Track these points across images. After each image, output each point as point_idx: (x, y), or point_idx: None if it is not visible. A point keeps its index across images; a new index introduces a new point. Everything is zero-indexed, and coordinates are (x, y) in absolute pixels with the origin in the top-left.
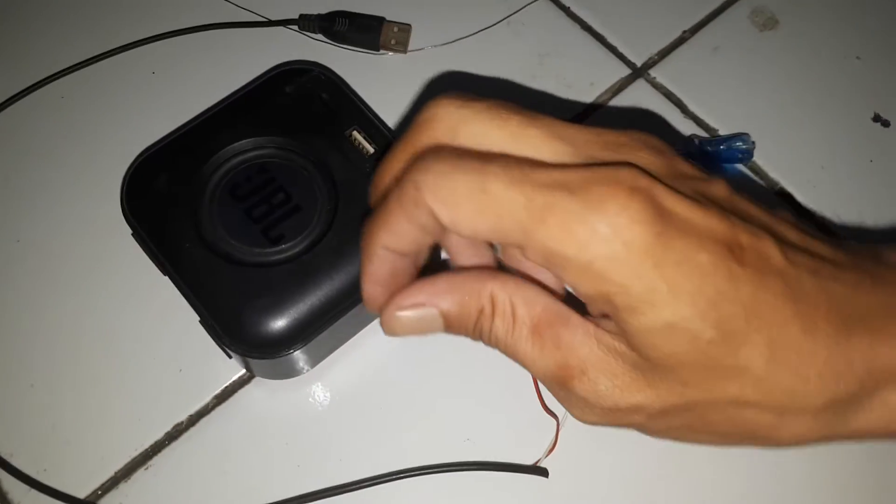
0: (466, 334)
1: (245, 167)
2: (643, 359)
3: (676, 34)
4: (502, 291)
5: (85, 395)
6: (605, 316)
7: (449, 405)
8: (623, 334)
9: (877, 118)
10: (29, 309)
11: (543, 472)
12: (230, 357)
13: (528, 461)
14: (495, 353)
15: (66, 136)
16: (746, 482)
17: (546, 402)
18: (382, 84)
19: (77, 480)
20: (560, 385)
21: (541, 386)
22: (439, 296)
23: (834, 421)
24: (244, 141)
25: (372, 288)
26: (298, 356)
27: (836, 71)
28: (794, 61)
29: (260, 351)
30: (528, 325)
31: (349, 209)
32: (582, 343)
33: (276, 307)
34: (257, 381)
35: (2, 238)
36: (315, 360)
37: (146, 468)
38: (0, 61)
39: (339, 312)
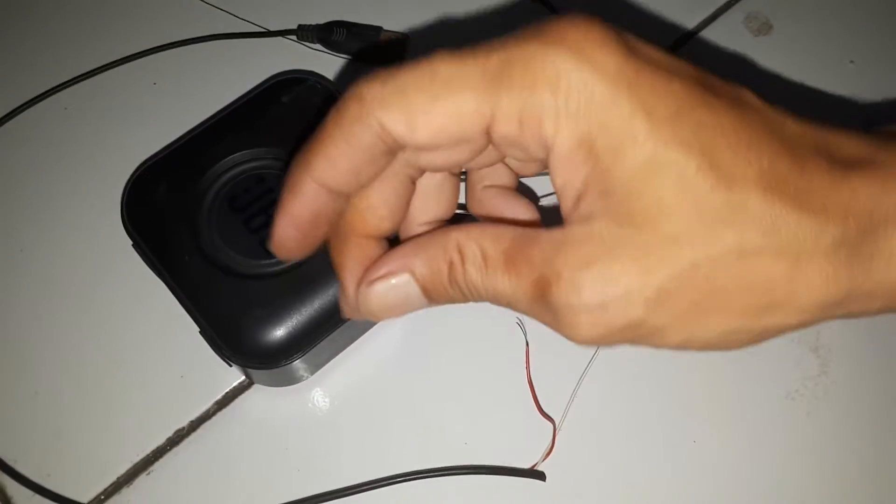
0: (445, 295)
1: (243, 178)
2: (626, 226)
3: (668, 43)
4: (467, 238)
5: (88, 401)
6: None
7: (447, 410)
8: (604, 197)
9: (869, 122)
10: (32, 318)
11: (540, 476)
12: (230, 366)
13: (526, 465)
14: (493, 358)
15: (68, 146)
16: (747, 486)
17: (542, 405)
18: None
19: (80, 485)
20: (541, 302)
21: (539, 389)
22: (408, 258)
23: (852, 266)
24: (242, 152)
25: (285, 229)
26: (297, 365)
27: (829, 75)
28: (788, 65)
29: (259, 361)
30: (500, 260)
31: None
32: (554, 250)
33: (274, 318)
34: (257, 387)
35: (5, 247)
36: (314, 368)
37: (148, 473)
38: (3, 73)
39: (336, 322)
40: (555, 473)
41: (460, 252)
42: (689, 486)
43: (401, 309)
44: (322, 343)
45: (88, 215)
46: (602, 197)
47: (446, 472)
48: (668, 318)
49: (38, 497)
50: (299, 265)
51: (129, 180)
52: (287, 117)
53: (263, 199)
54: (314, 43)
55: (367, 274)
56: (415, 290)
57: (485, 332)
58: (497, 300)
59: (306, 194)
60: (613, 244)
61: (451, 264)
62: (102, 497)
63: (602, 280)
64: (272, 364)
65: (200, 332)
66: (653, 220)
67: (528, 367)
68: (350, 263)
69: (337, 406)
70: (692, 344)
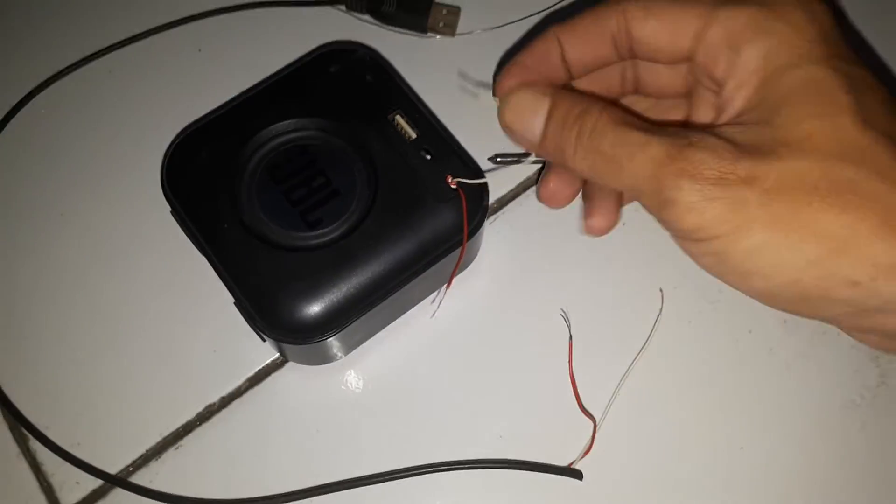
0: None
1: (285, 149)
2: (772, 128)
3: None
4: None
5: (120, 371)
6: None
7: (482, 401)
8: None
9: None
10: (69, 283)
11: (578, 475)
12: (264, 340)
13: (562, 462)
14: (534, 350)
15: (112, 111)
16: (794, 499)
17: (583, 402)
18: (429, 67)
19: (109, 456)
20: (672, 153)
21: (581, 385)
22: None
23: None
24: (286, 122)
25: (517, 70)
26: (332, 343)
27: None
28: None
29: (294, 336)
30: (636, 124)
31: (388, 195)
32: (697, 130)
33: (311, 292)
34: (291, 365)
35: (47, 210)
36: (349, 348)
37: (177, 448)
38: (49, 36)
39: (375, 300)
40: (593, 473)
41: (605, 104)
42: (733, 494)
43: (523, 118)
44: (359, 321)
45: (129, 180)
46: (757, 104)
47: (479, 466)
48: (767, 211)
49: (66, 465)
50: (339, 240)
51: (170, 145)
52: (334, 89)
53: (305, 171)
54: (363, 13)
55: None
56: (543, 108)
57: (526, 323)
58: (618, 148)
59: (545, 46)
60: (755, 135)
61: (588, 107)
62: (131, 469)
63: (735, 151)
64: (308, 339)
65: (235, 303)
66: (795, 122)
67: (570, 362)
68: (532, 60)
69: (370, 389)
70: (761, 257)
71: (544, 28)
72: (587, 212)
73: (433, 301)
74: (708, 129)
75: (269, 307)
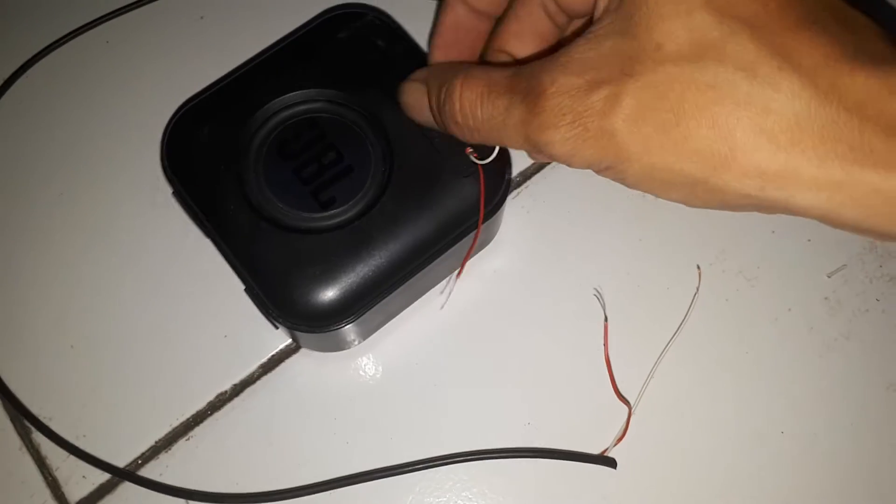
0: (440, 111)
1: (293, 122)
2: (625, 35)
3: None
4: (477, 67)
5: (126, 358)
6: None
7: (508, 385)
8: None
9: None
10: (70, 266)
11: (611, 463)
12: (276, 328)
13: (594, 450)
14: (561, 332)
15: (110, 83)
16: (839, 483)
17: (619, 387)
18: None
19: (116, 448)
20: (531, 109)
21: (614, 369)
22: (431, 71)
23: (848, 161)
24: (292, 93)
25: (439, 54)
26: (349, 330)
27: None
28: None
29: (308, 324)
30: (503, 84)
31: (405, 170)
32: (554, 64)
33: (326, 277)
34: (305, 350)
35: (46, 190)
36: (366, 334)
37: (187, 439)
38: (44, 4)
39: (394, 284)
40: (627, 461)
41: (466, 73)
42: (774, 480)
43: (417, 113)
44: (377, 307)
45: (130, 158)
46: (614, 7)
47: (507, 455)
48: (636, 136)
49: (72, 458)
50: (354, 220)
51: (169, 122)
52: (343, 56)
53: (316, 145)
54: None
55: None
56: (424, 100)
57: (556, 303)
58: (491, 121)
59: (451, 8)
60: (608, 52)
61: (450, 84)
62: (139, 461)
63: (586, 84)
64: (322, 328)
65: (246, 290)
66: (644, 28)
67: (605, 344)
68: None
69: (389, 375)
70: (650, 179)
71: None
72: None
73: (442, 291)
74: (567, 51)
75: (281, 294)
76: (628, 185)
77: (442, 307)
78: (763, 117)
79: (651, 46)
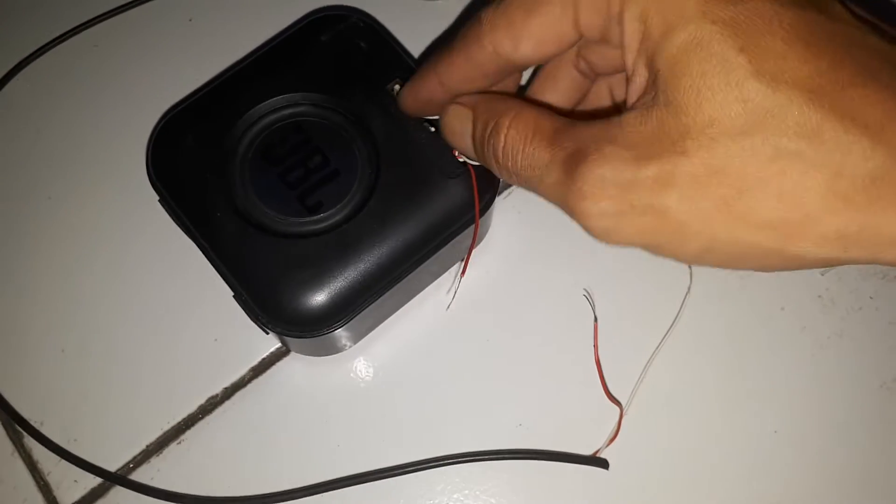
0: (484, 148)
1: (278, 127)
2: (669, 108)
3: None
4: (527, 107)
5: (116, 362)
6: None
7: (500, 387)
8: (654, 79)
9: None
10: (59, 270)
11: (603, 464)
12: (267, 333)
13: (587, 451)
14: (553, 333)
15: (99, 87)
16: (832, 483)
17: (611, 388)
18: (432, 33)
19: (108, 452)
20: (569, 174)
21: (605, 369)
22: (476, 99)
23: (881, 201)
24: (276, 98)
25: (412, 101)
26: (339, 334)
27: None
28: None
29: (297, 329)
30: (547, 134)
31: (392, 172)
32: (601, 130)
33: (314, 282)
34: (296, 354)
35: (33, 194)
36: (357, 337)
37: (179, 442)
38: (32, 8)
39: (384, 287)
40: (619, 461)
41: (517, 113)
42: (767, 479)
43: (458, 139)
44: (367, 310)
45: (120, 162)
46: (653, 79)
47: (498, 456)
48: (694, 213)
49: (63, 463)
50: (342, 223)
51: (153, 129)
52: (326, 59)
53: (301, 150)
54: None
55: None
56: (469, 127)
57: (546, 305)
58: (529, 171)
59: (428, 84)
60: (656, 128)
61: (498, 121)
62: (131, 465)
63: (634, 158)
64: (314, 332)
65: (234, 296)
66: (693, 102)
67: (595, 345)
68: (422, 94)
69: (381, 377)
70: (713, 253)
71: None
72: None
73: (448, 291)
74: (613, 122)
75: (270, 299)
76: (686, 262)
77: (448, 307)
78: (836, 181)
79: (703, 122)
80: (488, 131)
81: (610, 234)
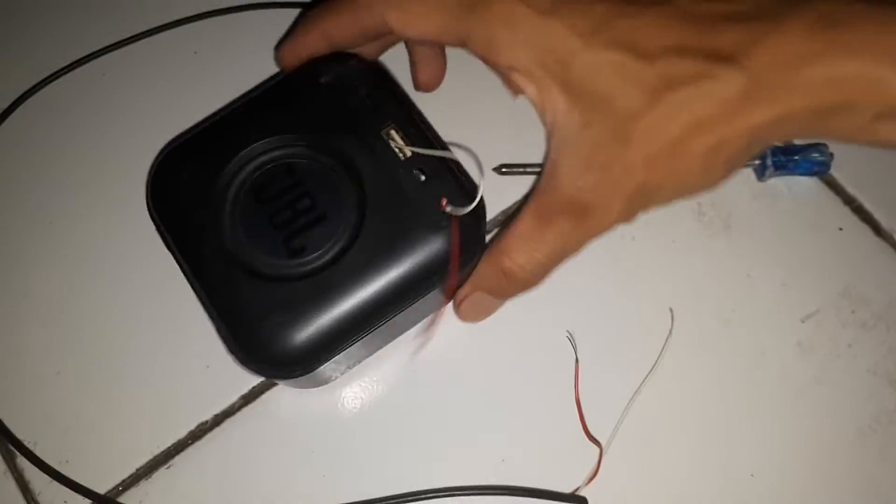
0: (518, 289)
1: (271, 168)
2: (596, 119)
3: None
4: (505, 243)
5: (110, 385)
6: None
7: (484, 424)
8: (573, 105)
9: None
10: (58, 293)
11: (582, 502)
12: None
13: (567, 488)
14: (537, 372)
15: (105, 115)
16: None
17: (589, 426)
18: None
19: (98, 475)
20: (583, 219)
21: (586, 409)
22: (475, 280)
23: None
24: (272, 138)
25: (291, 54)
26: (320, 371)
27: None
28: None
29: (273, 370)
30: (536, 221)
31: (377, 221)
32: (569, 178)
33: (292, 325)
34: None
35: (36, 217)
36: (342, 370)
37: (168, 467)
38: (44, 36)
39: (360, 334)
40: (598, 500)
41: (506, 253)
42: None
43: (487, 312)
44: (347, 351)
45: (120, 190)
46: (573, 106)
47: (480, 492)
48: (660, 173)
49: (55, 484)
50: (324, 268)
51: (154, 161)
52: (323, 102)
53: (291, 192)
54: None
55: (455, 300)
56: (489, 298)
57: (529, 343)
58: (558, 251)
59: (311, 36)
60: (596, 138)
61: (505, 268)
62: (120, 488)
63: (602, 169)
64: (287, 375)
65: (217, 331)
66: (611, 103)
67: (576, 386)
68: (303, 46)
69: (367, 411)
70: (684, 189)
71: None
72: (415, 69)
73: (417, 336)
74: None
75: (247, 339)
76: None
77: (414, 354)
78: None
79: (623, 115)
80: (508, 287)
81: (625, 217)
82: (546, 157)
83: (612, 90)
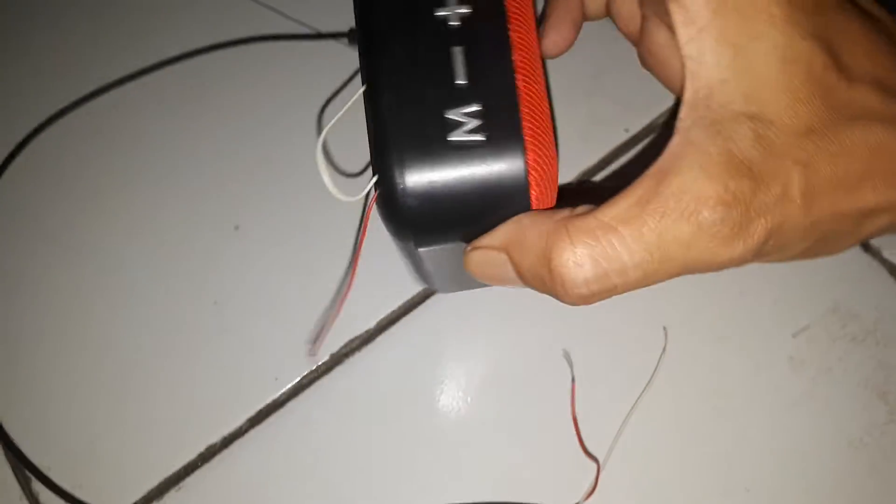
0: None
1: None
2: (755, 110)
3: None
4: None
5: (121, 409)
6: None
7: (478, 440)
8: (738, 82)
9: None
10: (72, 323)
11: None
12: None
13: None
14: (532, 389)
15: (120, 146)
16: None
17: (586, 443)
18: None
19: (110, 497)
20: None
21: (583, 426)
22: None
23: None
24: None
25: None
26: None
27: None
28: None
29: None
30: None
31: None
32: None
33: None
34: (293, 405)
35: (51, 247)
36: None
37: (178, 489)
38: (52, 72)
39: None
40: None
41: (570, 234)
42: None
43: (499, 281)
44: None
45: (134, 221)
46: (736, 83)
47: None
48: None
49: None
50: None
51: None
52: None
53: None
54: None
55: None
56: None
57: (527, 364)
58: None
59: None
60: (751, 142)
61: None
62: None
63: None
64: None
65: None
66: (786, 108)
67: (573, 405)
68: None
69: (376, 427)
70: (810, 253)
71: None
72: (545, 31)
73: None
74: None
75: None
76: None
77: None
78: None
79: (795, 129)
80: (548, 281)
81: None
82: (675, 130)
83: (797, 93)
